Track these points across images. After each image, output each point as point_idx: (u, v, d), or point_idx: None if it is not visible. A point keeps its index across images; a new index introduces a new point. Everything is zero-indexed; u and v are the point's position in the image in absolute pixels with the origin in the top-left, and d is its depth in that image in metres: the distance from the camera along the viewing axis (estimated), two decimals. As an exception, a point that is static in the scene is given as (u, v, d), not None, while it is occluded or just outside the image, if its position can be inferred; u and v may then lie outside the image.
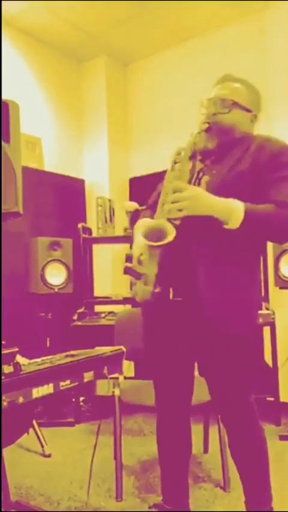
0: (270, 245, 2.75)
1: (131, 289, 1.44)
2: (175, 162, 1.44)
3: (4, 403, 1.09)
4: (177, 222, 1.34)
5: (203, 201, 1.35)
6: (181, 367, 1.58)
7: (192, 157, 1.53)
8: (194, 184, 1.47)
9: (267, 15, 3.32)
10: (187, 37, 3.64)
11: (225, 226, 1.35)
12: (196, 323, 1.45)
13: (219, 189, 1.40)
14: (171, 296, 1.44)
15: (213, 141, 1.50)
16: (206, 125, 1.48)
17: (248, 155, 1.45)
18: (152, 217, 1.48)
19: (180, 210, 1.33)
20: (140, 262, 1.37)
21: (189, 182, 1.46)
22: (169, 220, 1.33)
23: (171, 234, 1.29)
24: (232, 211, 1.33)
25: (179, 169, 1.43)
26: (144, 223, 1.40)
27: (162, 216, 1.36)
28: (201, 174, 1.48)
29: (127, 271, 1.37)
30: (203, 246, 1.41)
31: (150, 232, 1.33)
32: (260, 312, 2.88)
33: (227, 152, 1.49)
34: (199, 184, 1.47)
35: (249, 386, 1.51)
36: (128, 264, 1.36)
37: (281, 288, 2.81)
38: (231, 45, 3.48)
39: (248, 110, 1.54)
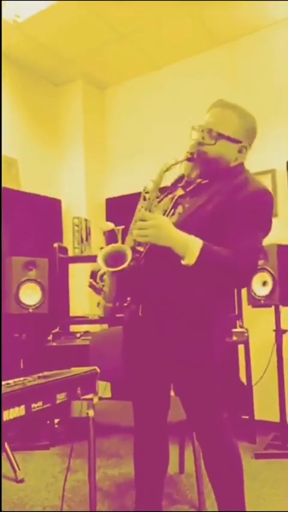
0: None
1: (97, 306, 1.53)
2: (146, 192, 1.47)
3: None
4: (141, 249, 1.41)
5: (165, 232, 1.35)
6: (158, 385, 1.60)
7: (177, 181, 1.57)
8: (169, 213, 1.50)
9: (238, 45, 3.46)
10: (162, 64, 3.75)
11: (182, 262, 1.33)
12: (169, 337, 1.47)
13: (185, 223, 1.42)
14: (140, 313, 1.50)
15: (196, 170, 1.49)
16: (189, 155, 1.48)
17: (227, 191, 1.43)
18: None
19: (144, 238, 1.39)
20: (102, 279, 1.51)
21: (167, 210, 1.50)
22: (134, 246, 1.40)
23: (128, 259, 1.36)
24: (188, 247, 1.32)
25: (148, 199, 1.46)
26: (104, 248, 1.45)
27: (130, 241, 1.43)
28: (178, 204, 1.51)
29: (90, 286, 1.54)
30: (168, 273, 1.44)
31: (109, 256, 1.40)
32: (234, 330, 2.95)
33: (208, 183, 1.49)
34: (173, 214, 1.50)
35: (220, 403, 1.54)
36: (92, 281, 1.51)
37: (254, 306, 2.86)
38: (203, 72, 3.60)
39: (236, 141, 1.48)
